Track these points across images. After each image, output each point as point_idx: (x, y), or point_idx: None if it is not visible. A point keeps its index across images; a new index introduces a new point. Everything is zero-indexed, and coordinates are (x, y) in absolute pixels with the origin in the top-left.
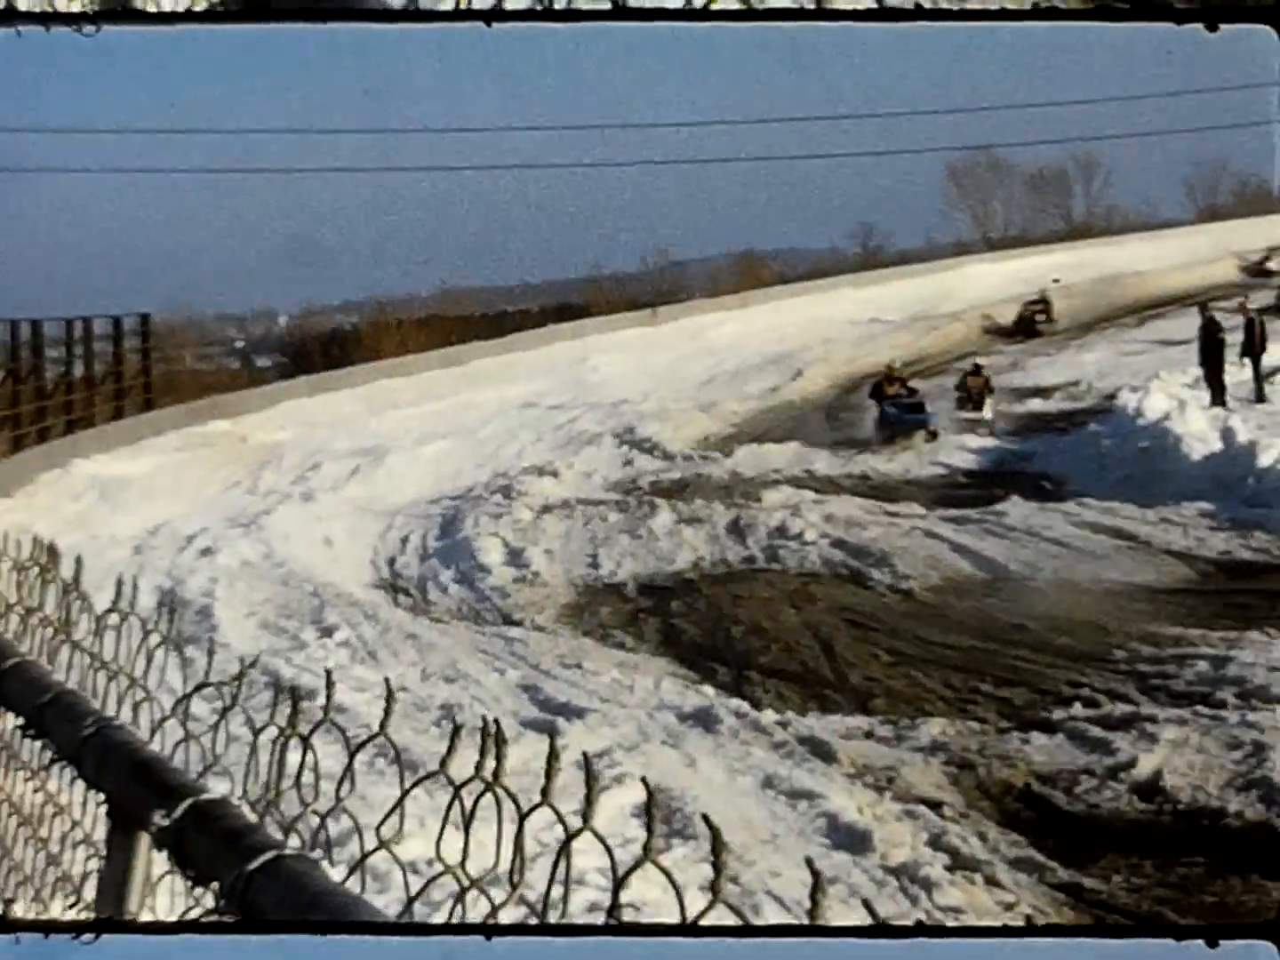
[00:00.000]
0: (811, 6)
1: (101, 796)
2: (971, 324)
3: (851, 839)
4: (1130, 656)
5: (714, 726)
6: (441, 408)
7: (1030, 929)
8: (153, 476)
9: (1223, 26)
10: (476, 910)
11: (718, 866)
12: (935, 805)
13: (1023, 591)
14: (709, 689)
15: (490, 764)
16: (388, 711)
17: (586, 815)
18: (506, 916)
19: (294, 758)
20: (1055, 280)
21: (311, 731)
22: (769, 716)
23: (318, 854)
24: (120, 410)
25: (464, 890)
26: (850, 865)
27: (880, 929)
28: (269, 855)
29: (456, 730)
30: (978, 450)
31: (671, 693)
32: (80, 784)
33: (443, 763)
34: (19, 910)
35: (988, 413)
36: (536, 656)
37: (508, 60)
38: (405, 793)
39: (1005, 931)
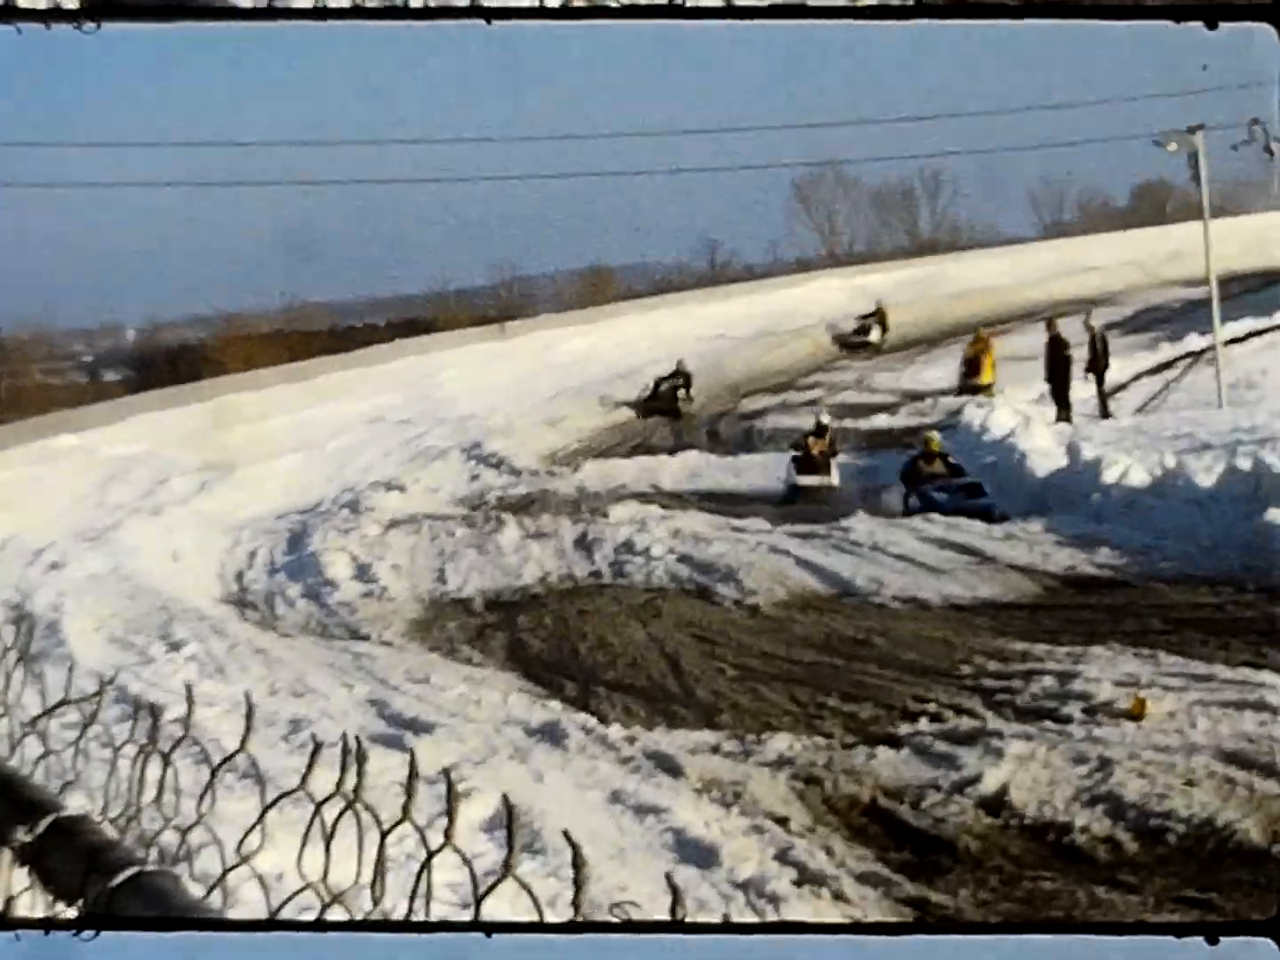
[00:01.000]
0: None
1: None
2: (818, 340)
3: (699, 853)
4: (976, 672)
5: (561, 741)
6: (289, 422)
7: (1030, 926)
8: (0, 490)
9: (1223, 25)
10: None
11: (579, 881)
12: (782, 820)
13: (868, 607)
14: (556, 704)
15: (351, 780)
16: (248, 728)
17: (449, 832)
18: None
19: (151, 773)
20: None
21: (173, 748)
22: (616, 731)
23: (179, 869)
24: None
25: (326, 905)
26: (698, 879)
27: (877, 926)
28: (131, 871)
29: (317, 748)
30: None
31: (519, 707)
32: None
33: (304, 779)
34: None
35: (835, 479)
36: (384, 671)
37: (361, 71)
38: (266, 809)
39: (1003, 929)
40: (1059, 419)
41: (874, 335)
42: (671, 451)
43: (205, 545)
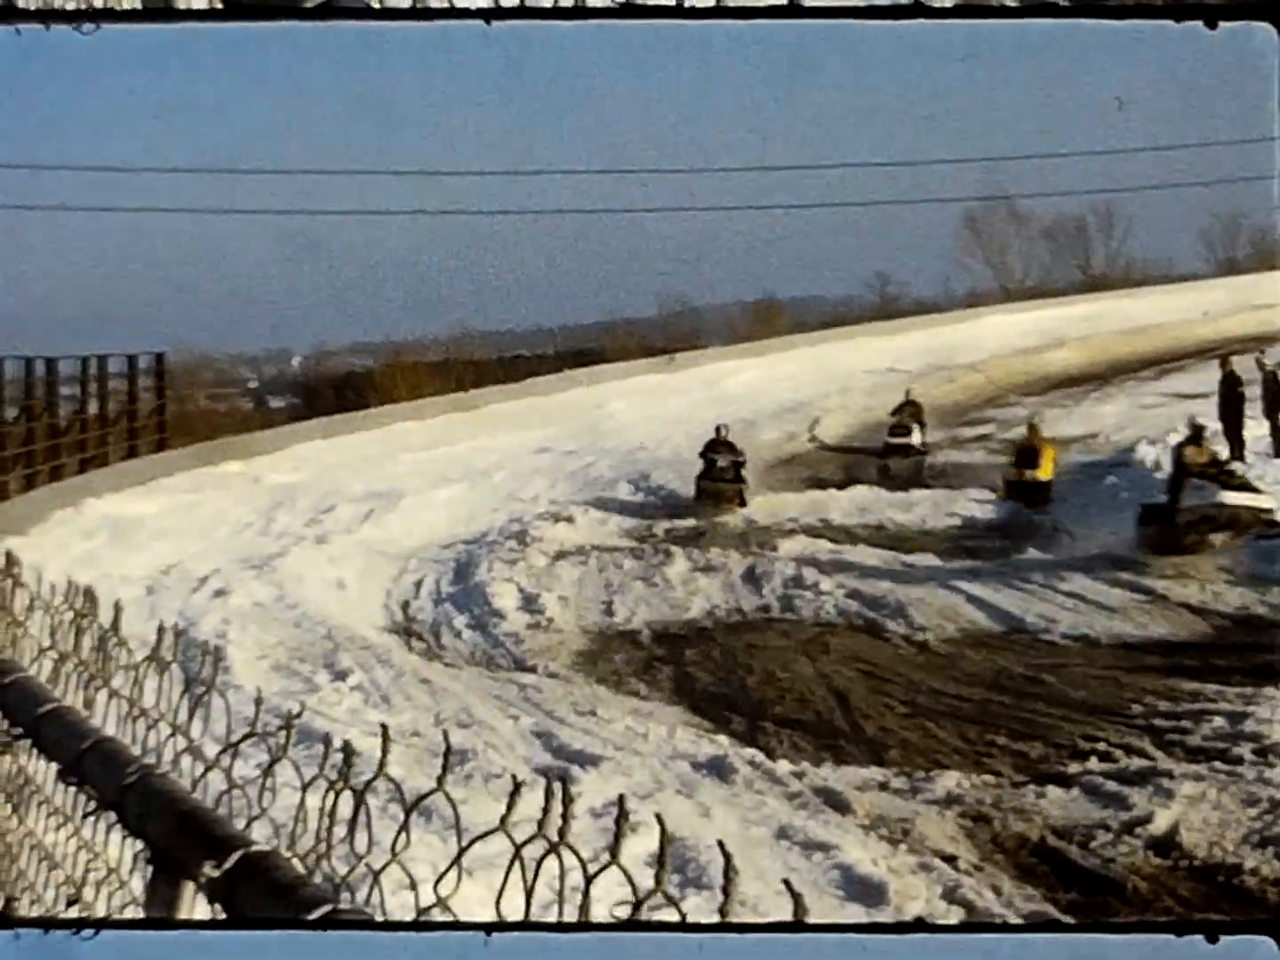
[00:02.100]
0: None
1: (140, 845)
2: (989, 374)
3: (866, 891)
4: (1146, 711)
5: (728, 776)
6: (456, 452)
7: (1030, 926)
8: (165, 516)
9: (1222, 24)
10: None
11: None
12: (950, 858)
13: (1038, 644)
14: (723, 738)
15: (555, 822)
16: (445, 767)
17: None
18: None
19: (313, 802)
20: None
21: (367, 785)
22: (784, 767)
23: (371, 909)
24: (134, 449)
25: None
26: (864, 917)
27: (881, 926)
28: (324, 909)
29: (517, 787)
30: (995, 501)
31: (685, 741)
32: (115, 831)
33: (503, 819)
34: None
35: (916, 438)
36: (550, 703)
37: (525, 102)
38: (464, 850)
39: (1005, 928)
40: (1231, 458)
41: (915, 437)
42: (841, 485)
43: (371, 574)
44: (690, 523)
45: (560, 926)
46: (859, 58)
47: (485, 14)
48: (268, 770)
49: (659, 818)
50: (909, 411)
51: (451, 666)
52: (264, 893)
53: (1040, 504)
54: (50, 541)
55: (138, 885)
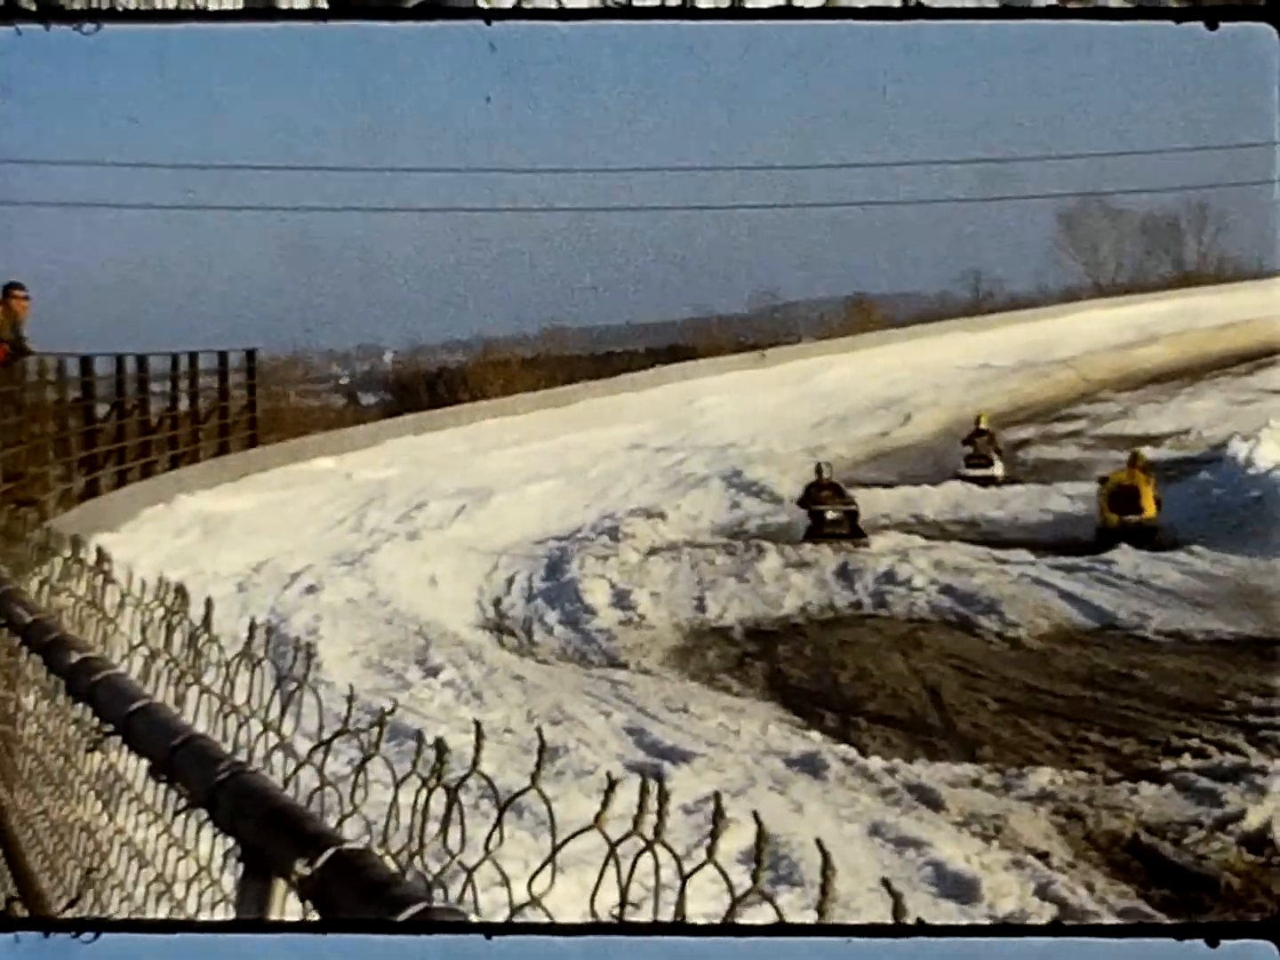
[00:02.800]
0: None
1: (232, 842)
2: (1082, 371)
3: (959, 888)
4: (1240, 707)
5: (821, 772)
6: (548, 448)
7: (1030, 929)
8: (257, 513)
9: (1222, 25)
10: None
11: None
12: (1043, 855)
13: (1131, 641)
14: (816, 735)
15: (650, 820)
16: (539, 764)
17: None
18: None
19: (405, 799)
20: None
21: (460, 782)
22: (876, 763)
23: (465, 907)
24: (225, 446)
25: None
26: (957, 914)
27: (879, 928)
28: (418, 907)
29: (613, 785)
30: (1086, 498)
31: (778, 738)
32: (206, 828)
33: (598, 816)
34: None
35: (998, 469)
36: (642, 699)
37: (612, 99)
38: (559, 847)
39: (1004, 930)
40: None
41: (997, 469)
42: (934, 481)
43: (463, 570)
44: (782, 519)
45: (560, 928)
46: (947, 56)
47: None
48: (360, 767)
49: (756, 815)
50: (985, 440)
51: (544, 663)
52: (356, 891)
53: (1146, 545)
54: (141, 538)
55: (228, 883)
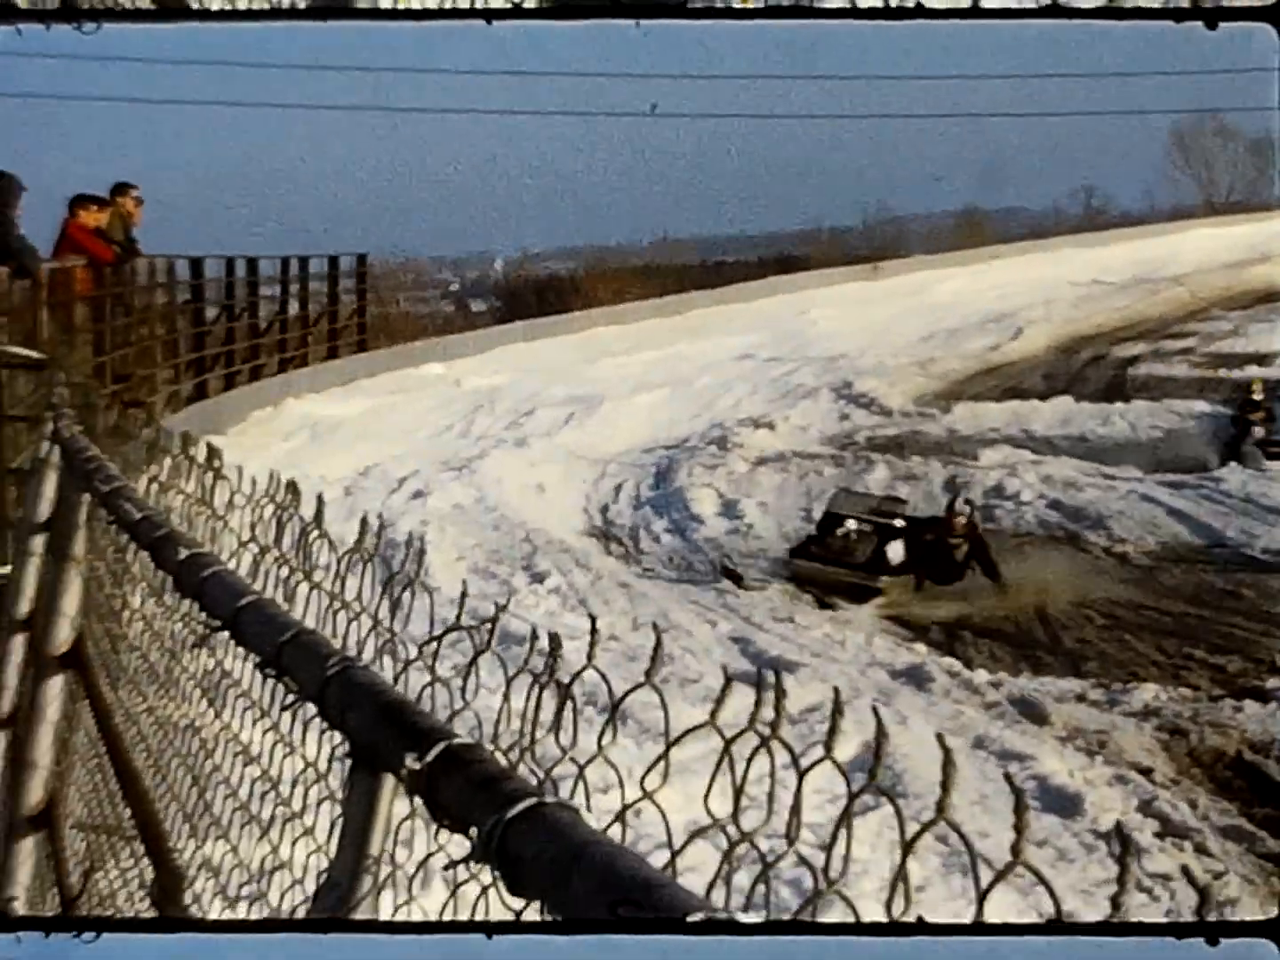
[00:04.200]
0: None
1: (338, 739)
2: (1193, 289)
3: (1062, 802)
4: None
5: (926, 685)
6: (658, 357)
7: (1028, 927)
8: (365, 418)
9: (1222, 24)
10: (747, 868)
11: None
12: (1146, 771)
13: (1238, 559)
14: (921, 647)
15: (767, 714)
16: (655, 659)
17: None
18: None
19: (515, 701)
20: None
21: (574, 678)
22: (981, 676)
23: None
24: (334, 351)
25: (733, 844)
26: (1060, 829)
27: (876, 927)
28: (529, 802)
29: (728, 681)
30: (1196, 415)
31: (883, 650)
32: (314, 725)
33: (712, 714)
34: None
35: None
36: (748, 609)
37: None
38: (672, 743)
39: (1002, 930)
40: None
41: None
42: (1043, 397)
43: (570, 478)
44: (891, 432)
45: (560, 926)
46: None
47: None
48: (471, 664)
49: (875, 711)
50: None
51: (649, 571)
52: (466, 786)
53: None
54: (249, 442)
55: (335, 781)
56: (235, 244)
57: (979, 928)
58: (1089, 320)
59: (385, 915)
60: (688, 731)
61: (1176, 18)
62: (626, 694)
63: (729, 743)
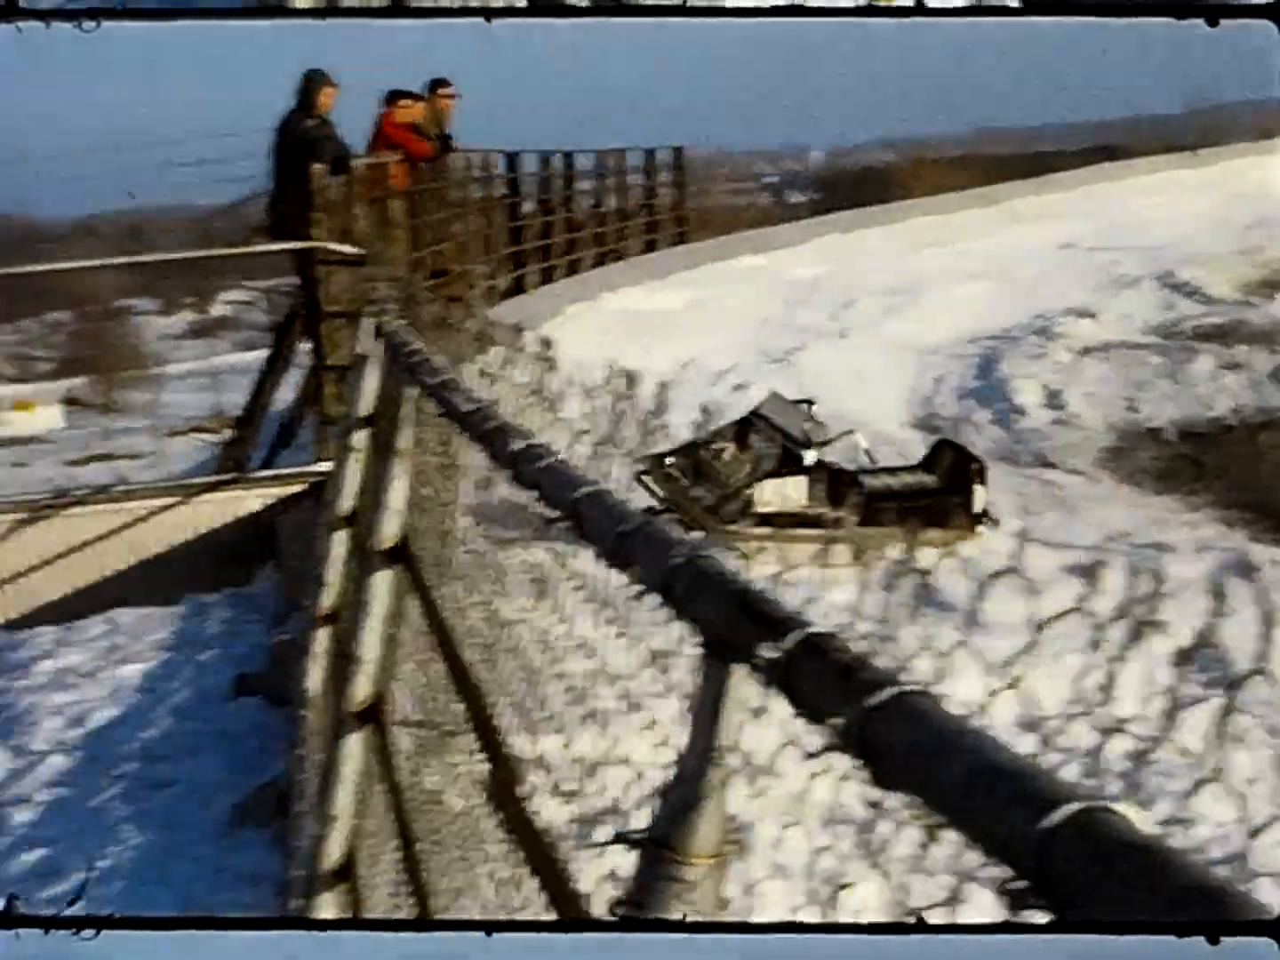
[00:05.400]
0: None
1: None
2: None
3: None
4: None
5: (1251, 575)
6: (978, 247)
7: (1027, 926)
8: (683, 310)
9: (1223, 22)
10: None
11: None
12: None
13: None
14: (1244, 536)
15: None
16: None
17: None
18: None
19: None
20: None
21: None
22: None
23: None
24: (651, 244)
25: (1108, 733)
26: None
27: (877, 926)
28: (892, 690)
29: (1098, 563)
30: None
31: (1209, 539)
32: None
33: (1081, 599)
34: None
35: None
36: (1074, 500)
37: None
38: (1044, 624)
39: (1001, 929)
40: None
41: None
42: None
43: (891, 369)
44: (1216, 320)
45: (561, 925)
46: None
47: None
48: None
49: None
50: None
51: None
52: (825, 674)
53: None
54: (566, 335)
55: (675, 674)
56: (552, 140)
57: (975, 927)
58: None
59: (732, 808)
60: (1057, 616)
61: (1178, 14)
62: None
63: (1105, 625)
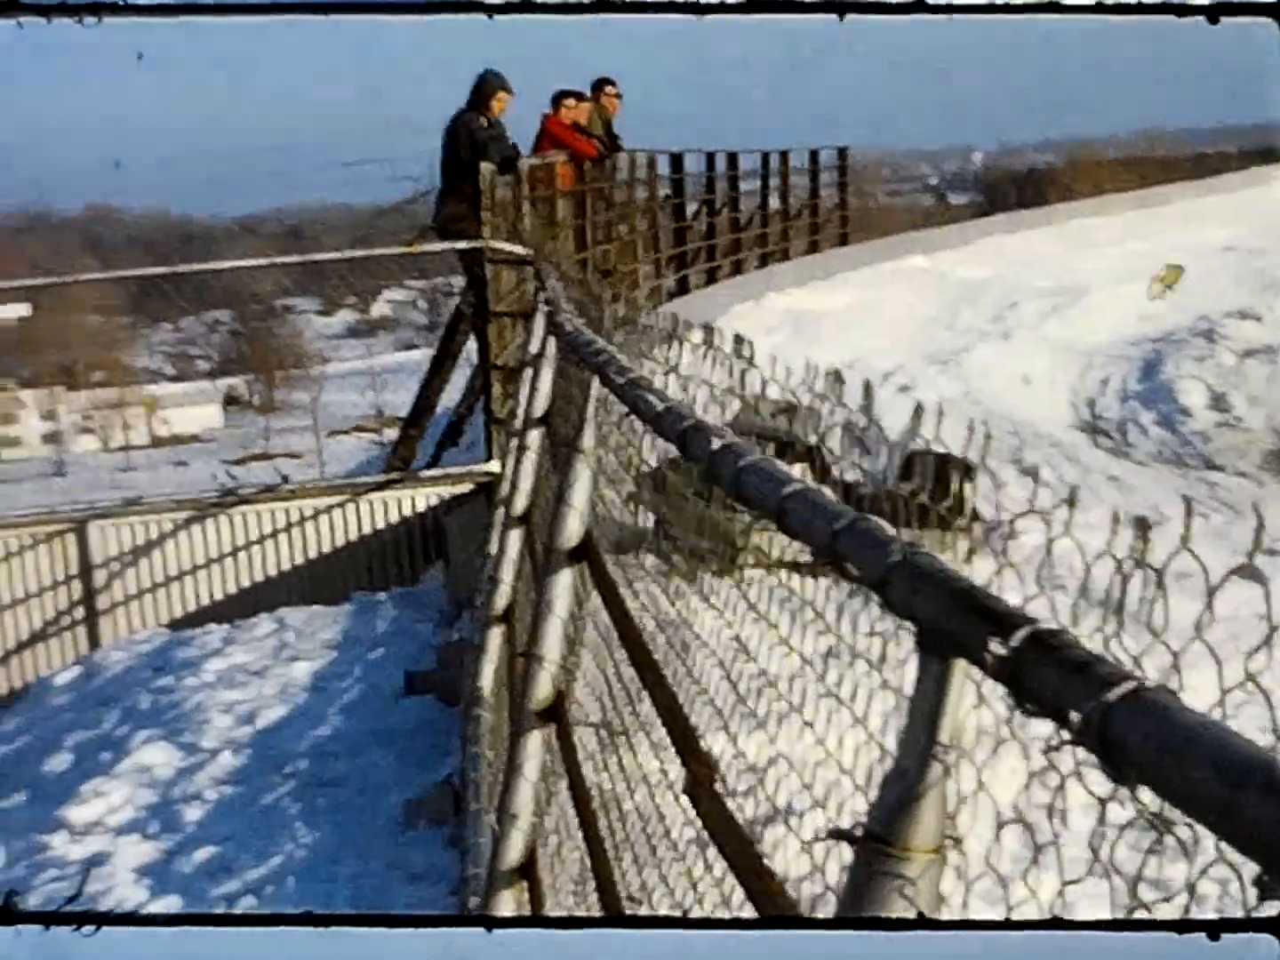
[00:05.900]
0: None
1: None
2: None
3: None
4: None
5: None
6: (1141, 249)
7: (1028, 923)
8: (848, 310)
9: (1223, 19)
10: None
11: None
12: None
13: None
14: None
15: None
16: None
17: None
18: None
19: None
20: None
21: (1167, 563)
22: None
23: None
24: (815, 244)
25: None
26: None
27: (877, 921)
28: (1131, 685)
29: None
30: None
31: None
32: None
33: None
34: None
35: None
36: (1240, 503)
37: None
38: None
39: (1002, 925)
40: None
41: None
42: None
43: (1056, 370)
44: None
45: (560, 922)
46: None
47: None
48: (1048, 545)
49: None
50: None
51: (1139, 464)
52: (1056, 669)
53: None
54: (731, 335)
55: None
56: (715, 142)
57: (977, 923)
58: None
59: (953, 800)
60: None
61: (1179, 12)
62: (1226, 576)
63: None
